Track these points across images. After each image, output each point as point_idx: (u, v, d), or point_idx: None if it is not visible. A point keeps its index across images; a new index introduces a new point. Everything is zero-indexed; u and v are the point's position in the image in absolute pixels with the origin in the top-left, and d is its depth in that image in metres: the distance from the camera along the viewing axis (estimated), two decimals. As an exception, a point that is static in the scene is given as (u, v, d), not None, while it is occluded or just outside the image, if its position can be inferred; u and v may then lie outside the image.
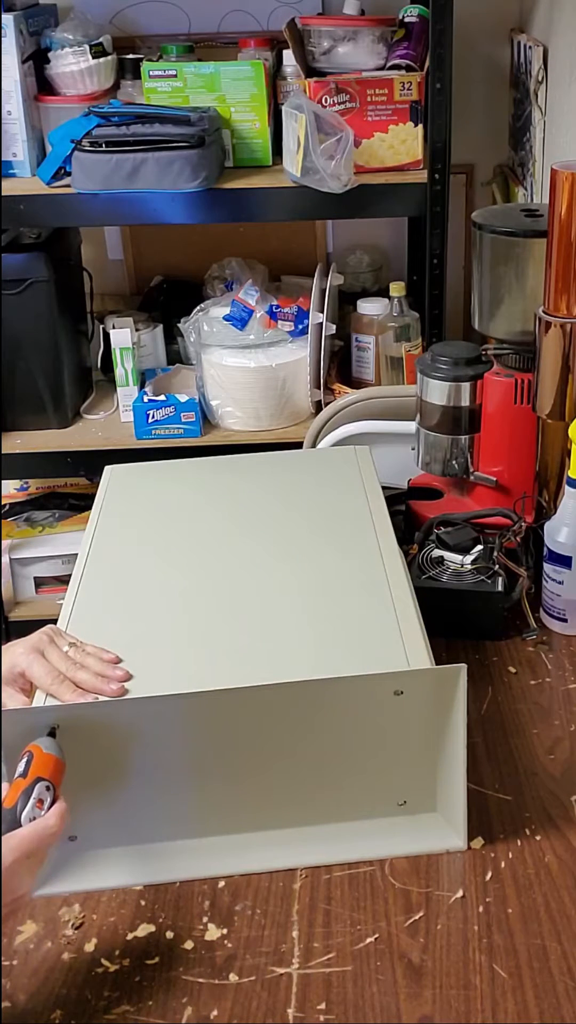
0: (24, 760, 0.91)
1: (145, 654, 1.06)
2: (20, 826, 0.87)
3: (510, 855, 1.01)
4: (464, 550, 1.35)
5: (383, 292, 2.18)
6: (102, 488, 1.40)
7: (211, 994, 0.88)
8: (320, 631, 1.09)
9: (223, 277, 2.31)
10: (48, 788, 0.90)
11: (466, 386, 1.43)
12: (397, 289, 2.08)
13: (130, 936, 0.95)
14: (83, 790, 0.98)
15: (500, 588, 1.30)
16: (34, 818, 0.87)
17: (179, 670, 1.04)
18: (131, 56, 2.13)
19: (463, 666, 0.96)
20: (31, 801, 0.88)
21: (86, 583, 1.19)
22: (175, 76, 1.98)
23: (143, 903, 0.98)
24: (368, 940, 0.93)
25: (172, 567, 1.22)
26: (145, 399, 2.09)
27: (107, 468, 1.45)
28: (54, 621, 1.12)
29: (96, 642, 1.07)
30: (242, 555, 1.23)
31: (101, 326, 2.25)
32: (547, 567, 1.32)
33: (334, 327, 2.07)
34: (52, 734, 0.95)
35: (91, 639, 1.08)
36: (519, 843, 1.03)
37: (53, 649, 1.05)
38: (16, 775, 0.90)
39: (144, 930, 0.95)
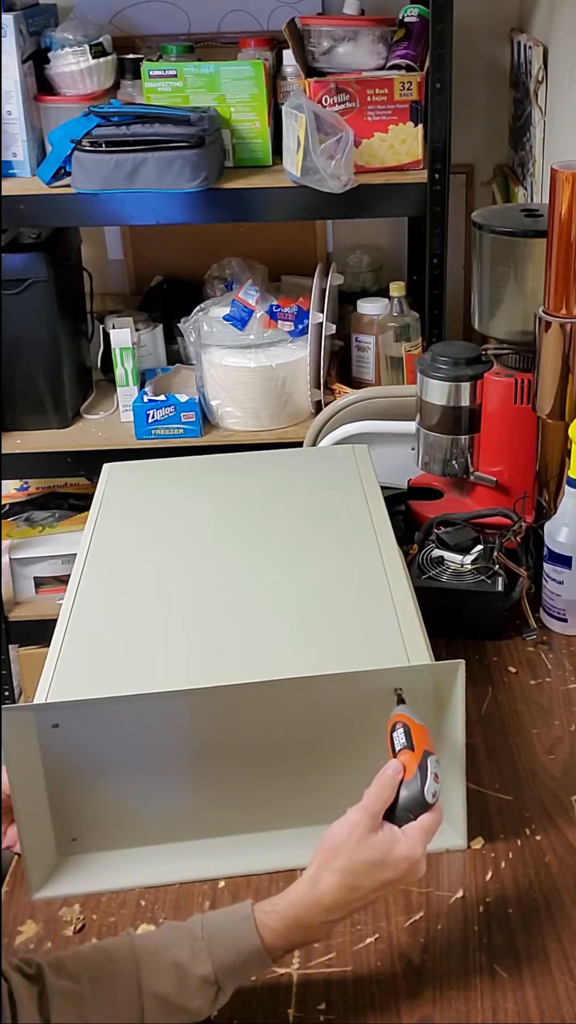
0: (401, 731, 0.91)
1: (145, 652, 1.06)
2: (425, 800, 0.87)
3: (510, 855, 1.01)
4: (464, 550, 1.35)
5: (383, 292, 2.17)
6: (101, 486, 1.40)
7: (211, 994, 0.88)
8: (320, 630, 1.09)
9: (223, 277, 2.31)
10: (437, 761, 0.90)
11: (466, 386, 1.42)
12: (397, 289, 2.08)
13: (130, 936, 0.95)
14: (83, 790, 0.98)
15: (500, 588, 1.30)
16: (435, 793, 0.87)
17: (178, 668, 1.04)
18: (131, 56, 2.12)
19: (461, 661, 0.96)
20: (429, 775, 0.88)
21: (86, 583, 1.18)
22: (175, 76, 1.98)
23: (143, 903, 0.98)
24: (368, 940, 0.93)
25: (171, 566, 1.22)
26: (145, 399, 2.09)
27: (106, 466, 1.45)
28: (54, 621, 1.12)
29: (96, 641, 1.08)
30: (241, 554, 1.23)
31: (101, 326, 2.24)
32: (547, 567, 1.32)
33: (334, 327, 2.07)
34: (401, 700, 0.95)
35: (91, 638, 1.08)
36: (519, 843, 1.03)
37: None
38: (399, 746, 0.90)
39: (144, 930, 0.95)
